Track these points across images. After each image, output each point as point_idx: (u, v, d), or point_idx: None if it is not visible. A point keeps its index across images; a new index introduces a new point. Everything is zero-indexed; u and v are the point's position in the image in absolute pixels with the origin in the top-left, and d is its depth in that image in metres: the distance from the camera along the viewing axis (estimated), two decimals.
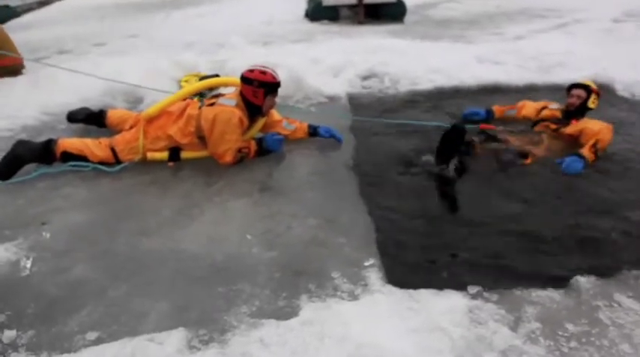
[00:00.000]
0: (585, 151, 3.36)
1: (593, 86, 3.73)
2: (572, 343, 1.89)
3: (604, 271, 2.31)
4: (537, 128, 3.81)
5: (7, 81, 5.00)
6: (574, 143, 3.59)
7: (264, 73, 3.31)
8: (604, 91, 4.84)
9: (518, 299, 2.12)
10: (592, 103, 3.69)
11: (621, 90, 4.81)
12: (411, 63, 5.48)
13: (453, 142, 3.24)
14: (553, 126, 3.74)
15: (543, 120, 3.83)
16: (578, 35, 6.84)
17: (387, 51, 5.96)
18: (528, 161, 3.41)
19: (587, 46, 6.15)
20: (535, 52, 5.84)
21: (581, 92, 3.69)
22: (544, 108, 3.94)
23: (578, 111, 3.70)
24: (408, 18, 8.47)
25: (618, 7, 8.01)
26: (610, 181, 3.22)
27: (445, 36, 7.08)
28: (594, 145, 3.40)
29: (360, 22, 8.28)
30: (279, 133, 3.55)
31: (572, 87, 3.76)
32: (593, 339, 1.91)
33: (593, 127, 3.54)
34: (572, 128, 3.65)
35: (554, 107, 3.90)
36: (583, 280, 2.21)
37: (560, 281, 2.25)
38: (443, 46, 6.41)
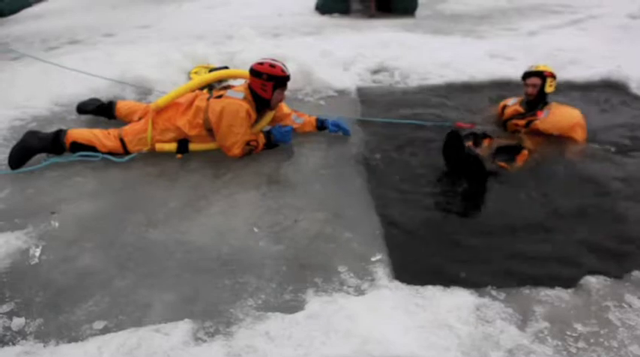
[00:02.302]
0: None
1: (547, 70, 3.67)
2: (581, 344, 1.87)
3: (614, 272, 2.28)
4: (509, 128, 3.81)
5: (18, 70, 5.03)
6: (549, 136, 3.60)
7: (273, 66, 3.29)
8: (618, 89, 4.79)
9: (527, 298, 2.10)
10: (549, 86, 3.66)
11: (635, 88, 4.72)
12: (422, 57, 5.43)
13: (456, 149, 3.18)
14: (522, 122, 3.72)
15: (510, 118, 3.81)
16: (593, 31, 6.73)
17: (398, 45, 5.92)
18: (525, 155, 3.37)
19: (602, 42, 6.05)
20: (548, 48, 5.75)
21: (536, 80, 3.65)
22: (504, 107, 3.91)
23: (538, 98, 3.68)
24: (419, 12, 8.39)
25: (634, 2, 7.85)
26: (624, 183, 3.17)
27: (456, 31, 7.01)
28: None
29: (371, 16, 8.21)
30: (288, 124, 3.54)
31: (526, 76, 3.72)
32: (602, 340, 1.89)
33: (563, 122, 3.57)
34: (543, 124, 3.62)
35: (513, 103, 3.88)
36: (593, 281, 2.19)
37: (569, 281, 2.22)
38: (454, 41, 6.35)
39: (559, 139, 3.59)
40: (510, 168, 3.28)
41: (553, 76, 3.67)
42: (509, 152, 3.41)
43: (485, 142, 3.57)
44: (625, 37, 6.30)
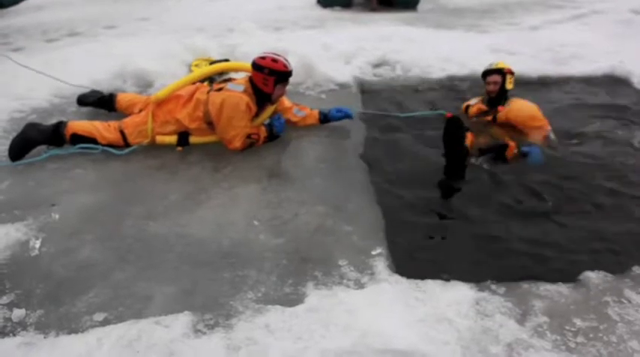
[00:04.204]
0: (541, 142, 3.41)
1: (506, 67, 3.73)
2: (580, 339, 1.87)
3: (614, 267, 2.28)
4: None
5: (19, 61, 5.00)
6: (513, 128, 3.62)
7: (275, 61, 3.26)
8: (620, 84, 4.78)
9: (526, 292, 2.10)
10: (509, 83, 3.73)
11: (638, 83, 4.71)
12: (423, 51, 5.40)
13: (456, 136, 3.14)
14: (488, 118, 3.77)
15: (475, 117, 3.86)
16: (595, 26, 6.70)
17: (400, 39, 5.89)
18: (513, 147, 3.37)
19: (605, 37, 6.03)
20: (550, 43, 5.74)
21: (496, 77, 3.71)
22: (467, 107, 3.94)
23: (500, 95, 3.73)
24: (421, 6, 8.35)
25: None
26: (625, 179, 3.17)
27: (459, 25, 6.97)
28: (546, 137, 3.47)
29: (373, 10, 8.17)
30: (286, 118, 3.53)
31: (486, 74, 3.77)
32: (601, 335, 1.89)
33: (523, 112, 3.61)
34: (505, 114, 3.67)
35: (474, 102, 3.92)
36: (592, 276, 2.19)
37: (569, 276, 2.22)
38: (456, 35, 6.32)
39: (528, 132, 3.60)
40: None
41: (512, 73, 3.75)
42: (495, 151, 3.38)
43: (469, 136, 3.52)
44: (628, 33, 6.27)
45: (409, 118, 3.97)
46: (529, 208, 2.87)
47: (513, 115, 3.64)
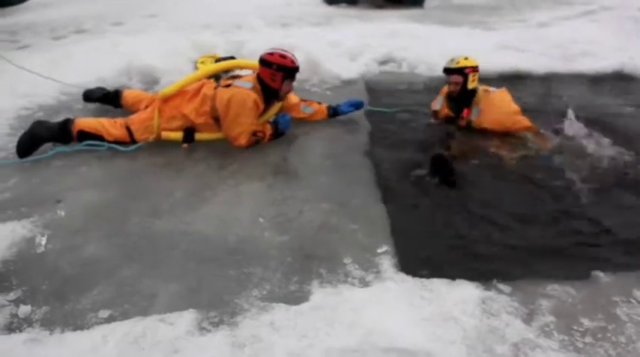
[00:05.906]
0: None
1: (468, 65, 3.37)
2: (587, 339, 1.85)
3: (622, 266, 2.25)
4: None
5: (24, 59, 5.03)
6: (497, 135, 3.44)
7: (283, 56, 3.26)
8: (630, 81, 4.73)
9: (533, 292, 2.08)
10: (471, 82, 3.39)
11: None
12: (430, 48, 5.37)
13: (444, 167, 3.07)
14: (461, 123, 3.53)
15: (445, 122, 3.65)
16: (605, 23, 6.64)
17: (406, 36, 5.88)
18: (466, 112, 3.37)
19: (614, 34, 5.97)
20: (559, 39, 5.70)
21: (457, 78, 3.39)
22: (435, 112, 3.70)
23: (463, 95, 3.44)
24: (428, 3, 8.32)
25: None
26: (636, 176, 3.13)
27: (465, 22, 6.94)
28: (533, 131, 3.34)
29: (380, 6, 8.15)
30: (294, 115, 3.52)
31: (447, 73, 3.46)
32: (609, 335, 1.86)
33: (501, 118, 3.35)
34: (481, 122, 3.41)
35: (439, 105, 3.64)
36: (600, 275, 2.16)
37: (576, 275, 2.20)
38: (463, 32, 6.29)
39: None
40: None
41: (475, 70, 3.40)
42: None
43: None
44: (637, 29, 6.22)
45: (416, 113, 3.94)
46: (536, 207, 2.84)
47: (489, 120, 3.35)
